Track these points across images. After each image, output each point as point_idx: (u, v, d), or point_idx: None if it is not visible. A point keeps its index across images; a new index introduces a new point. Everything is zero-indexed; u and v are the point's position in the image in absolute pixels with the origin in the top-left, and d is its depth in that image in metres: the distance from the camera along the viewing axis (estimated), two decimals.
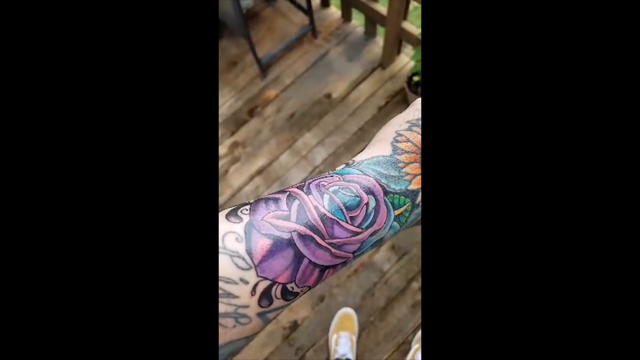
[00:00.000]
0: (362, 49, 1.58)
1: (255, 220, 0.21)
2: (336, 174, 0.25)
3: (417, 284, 1.26)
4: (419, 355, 1.17)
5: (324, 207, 0.22)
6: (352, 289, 1.27)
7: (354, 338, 1.23)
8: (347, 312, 1.26)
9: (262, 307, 0.21)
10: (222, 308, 0.20)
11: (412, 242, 1.30)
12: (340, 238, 0.22)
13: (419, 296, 1.26)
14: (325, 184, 0.24)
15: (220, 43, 1.65)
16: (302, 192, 0.23)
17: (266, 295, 0.21)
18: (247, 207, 0.22)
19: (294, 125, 1.49)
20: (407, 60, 1.53)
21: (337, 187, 0.23)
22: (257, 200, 0.23)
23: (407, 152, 0.25)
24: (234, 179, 1.42)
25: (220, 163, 1.46)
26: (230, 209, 0.23)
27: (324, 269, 0.22)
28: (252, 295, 0.20)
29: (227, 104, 1.55)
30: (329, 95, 1.52)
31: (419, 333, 1.22)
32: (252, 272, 0.20)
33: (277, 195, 0.23)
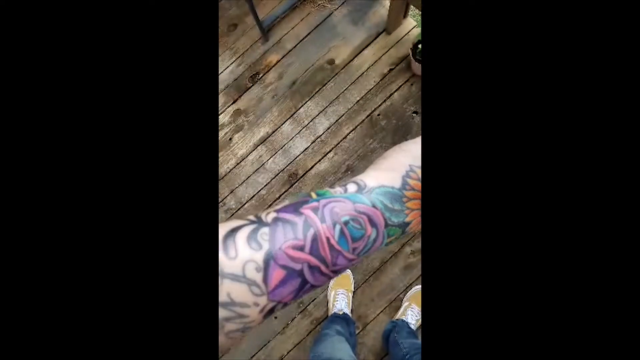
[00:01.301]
0: (368, 10, 1.52)
1: (274, 250, 0.24)
2: (349, 199, 0.27)
3: (409, 249, 1.36)
4: (409, 312, 1.31)
5: (334, 238, 0.25)
6: None
7: (350, 295, 1.35)
8: (344, 271, 1.38)
9: (264, 318, 0.25)
10: (232, 326, 0.23)
11: None
12: (340, 265, 0.26)
13: (410, 259, 1.37)
14: (338, 211, 0.26)
15: (220, 3, 1.58)
16: (317, 218, 0.25)
17: (270, 312, 0.25)
18: (267, 230, 0.24)
19: (295, 93, 1.49)
20: (414, 24, 1.48)
21: (348, 218, 0.26)
22: (276, 222, 0.25)
23: (414, 189, 0.28)
24: (238, 147, 1.46)
25: (225, 131, 1.49)
26: (250, 227, 0.24)
27: (317, 287, 0.26)
28: (260, 313, 0.24)
29: (228, 69, 1.54)
30: (331, 62, 1.50)
31: (410, 291, 1.35)
32: (265, 297, 0.24)
33: (295, 219, 0.25)
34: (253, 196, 1.40)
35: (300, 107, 1.48)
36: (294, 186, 1.40)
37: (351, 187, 0.28)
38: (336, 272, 0.27)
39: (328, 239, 0.25)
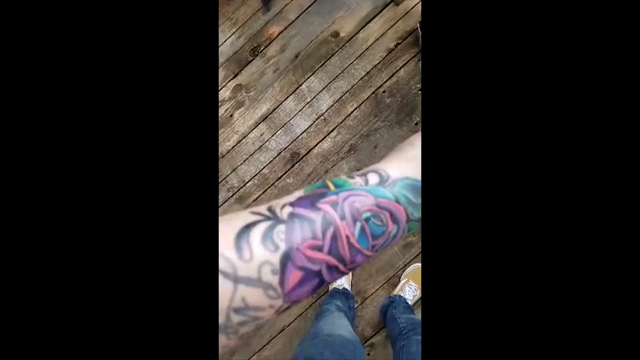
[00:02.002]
0: None
1: (291, 250, 0.23)
2: (370, 192, 0.26)
3: None
4: (406, 288, 1.35)
5: (354, 236, 0.24)
6: None
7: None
8: None
9: (278, 316, 0.24)
10: (246, 329, 0.22)
11: None
12: (358, 263, 0.25)
13: (409, 238, 1.39)
14: (359, 206, 0.25)
15: None
16: (336, 214, 0.24)
17: (285, 310, 0.24)
18: (283, 228, 0.23)
19: (298, 67, 1.43)
20: None
21: (369, 215, 0.25)
22: (292, 218, 0.24)
23: None
24: (239, 124, 1.44)
25: (225, 107, 1.46)
26: (265, 224, 0.23)
27: (330, 283, 0.26)
28: (275, 313, 0.23)
29: (228, 41, 1.47)
30: (336, 34, 1.43)
31: (408, 269, 1.39)
32: (280, 300, 0.23)
33: (312, 215, 0.24)
34: (255, 175, 1.40)
35: (303, 83, 1.43)
36: (296, 166, 1.39)
37: (372, 179, 0.26)
38: (353, 269, 0.26)
39: (348, 238, 0.24)
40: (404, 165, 0.27)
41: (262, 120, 1.43)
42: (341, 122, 1.40)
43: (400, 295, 1.33)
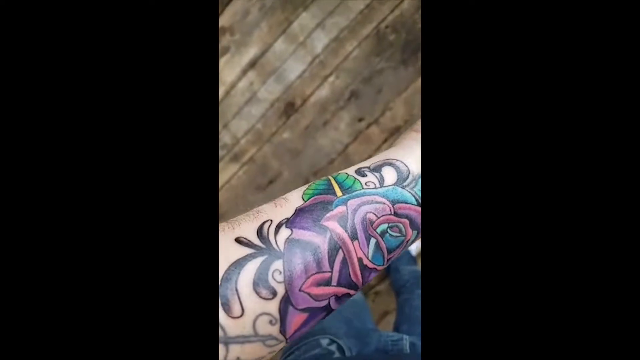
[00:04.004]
0: None
1: (293, 293, 0.19)
2: (387, 196, 0.21)
3: None
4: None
5: (367, 257, 0.20)
6: None
7: None
8: None
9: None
10: None
11: None
12: (369, 280, 0.22)
13: None
14: (374, 218, 0.20)
15: None
16: (346, 234, 0.20)
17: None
18: (280, 265, 0.19)
19: (287, 2, 1.24)
20: None
21: (386, 226, 0.21)
22: (292, 247, 0.19)
23: None
24: (225, 73, 1.29)
25: None
26: (256, 261, 0.19)
27: None
28: (276, 352, 0.21)
29: None
30: None
31: None
32: (283, 343, 0.20)
33: (316, 239, 0.19)
34: (249, 131, 1.29)
35: (294, 21, 1.25)
36: (291, 118, 1.28)
37: (388, 175, 0.22)
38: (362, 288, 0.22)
39: (361, 260, 0.20)
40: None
41: (251, 68, 1.28)
42: (339, 65, 1.25)
43: None
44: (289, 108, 1.28)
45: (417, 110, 1.23)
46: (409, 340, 0.63)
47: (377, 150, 1.27)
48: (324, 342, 0.62)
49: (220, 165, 1.31)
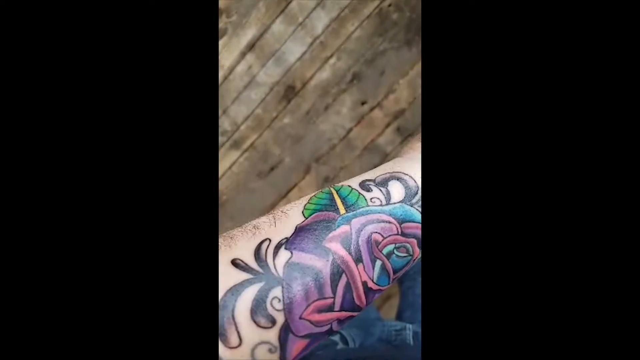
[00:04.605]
0: None
1: (293, 321, 0.18)
2: (394, 216, 0.20)
3: None
4: None
5: (372, 280, 0.19)
6: (355, 171, 1.31)
7: None
8: None
9: None
10: None
11: (416, 124, 1.25)
12: (372, 300, 0.21)
13: None
14: (380, 239, 0.19)
15: None
16: (349, 257, 0.19)
17: None
18: (279, 293, 0.18)
19: None
20: None
21: (392, 247, 0.20)
22: (292, 271, 0.18)
23: None
24: (223, 57, 1.25)
25: None
26: (254, 288, 0.18)
27: None
28: None
29: None
30: None
31: None
32: None
33: (318, 263, 0.18)
34: (248, 116, 1.27)
35: (293, 0, 1.20)
36: (292, 102, 1.25)
37: (396, 191, 0.21)
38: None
39: (365, 283, 0.19)
40: None
41: (249, 50, 1.24)
42: (340, 46, 1.21)
43: None
44: (289, 92, 1.24)
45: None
46: (412, 330, 0.62)
47: (381, 134, 1.24)
48: None
49: (221, 152, 1.29)
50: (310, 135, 1.25)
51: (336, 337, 0.61)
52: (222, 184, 1.30)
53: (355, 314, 0.20)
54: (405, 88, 1.20)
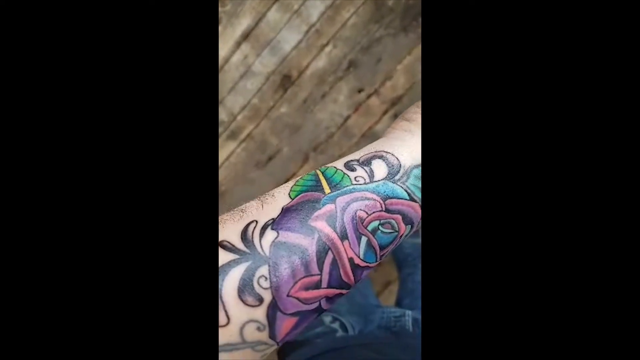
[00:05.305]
0: None
1: (280, 299, 0.18)
2: (377, 192, 0.21)
3: None
4: None
5: (359, 256, 0.20)
6: None
7: None
8: None
9: None
10: None
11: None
12: (362, 278, 0.21)
13: None
14: (364, 215, 0.20)
15: None
16: (335, 234, 0.19)
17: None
18: (266, 271, 0.18)
19: None
20: None
21: (377, 224, 0.20)
22: (278, 250, 0.18)
23: None
24: (218, 47, 1.24)
25: None
26: (241, 267, 0.18)
27: None
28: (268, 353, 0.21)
29: None
30: None
31: None
32: (274, 346, 0.20)
33: (304, 241, 0.19)
34: (245, 106, 1.26)
35: None
36: (288, 91, 1.24)
37: (379, 169, 0.21)
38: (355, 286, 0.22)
39: (352, 260, 0.20)
40: (418, 145, 0.22)
41: (244, 40, 1.23)
42: (336, 33, 1.20)
43: None
44: (285, 81, 1.23)
45: (419, 78, 1.18)
46: (412, 316, 0.63)
47: (378, 122, 1.24)
48: (327, 319, 0.62)
49: (218, 143, 1.28)
50: (307, 124, 1.25)
51: (336, 325, 0.62)
52: (221, 175, 1.30)
53: (344, 291, 0.20)
54: (402, 75, 1.19)
